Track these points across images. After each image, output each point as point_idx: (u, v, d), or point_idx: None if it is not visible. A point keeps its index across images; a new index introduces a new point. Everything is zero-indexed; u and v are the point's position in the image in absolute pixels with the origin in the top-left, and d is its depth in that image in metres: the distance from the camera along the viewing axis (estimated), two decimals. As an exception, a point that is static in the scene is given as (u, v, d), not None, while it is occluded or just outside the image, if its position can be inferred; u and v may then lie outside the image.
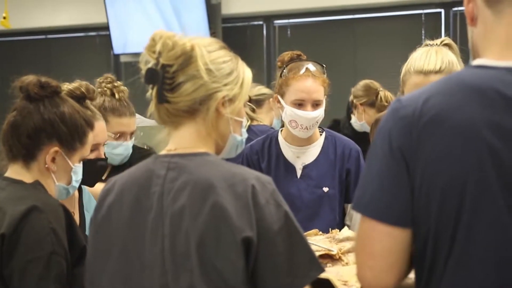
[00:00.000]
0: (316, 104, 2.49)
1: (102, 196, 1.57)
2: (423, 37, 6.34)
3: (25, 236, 1.63)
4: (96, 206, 1.58)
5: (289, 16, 6.72)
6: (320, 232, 2.19)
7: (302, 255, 1.44)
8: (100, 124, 2.15)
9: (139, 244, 1.47)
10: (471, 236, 1.20)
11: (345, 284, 1.75)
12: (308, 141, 2.60)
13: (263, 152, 2.64)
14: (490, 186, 1.18)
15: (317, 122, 2.52)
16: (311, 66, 2.51)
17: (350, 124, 4.28)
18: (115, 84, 2.63)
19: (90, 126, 1.90)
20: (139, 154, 2.69)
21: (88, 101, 2.13)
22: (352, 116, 4.24)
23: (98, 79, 2.65)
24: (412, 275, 1.72)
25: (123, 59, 7.06)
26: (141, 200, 1.49)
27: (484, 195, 1.18)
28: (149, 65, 1.49)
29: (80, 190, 2.25)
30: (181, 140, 1.52)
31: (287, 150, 2.62)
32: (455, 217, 1.20)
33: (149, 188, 1.49)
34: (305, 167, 2.58)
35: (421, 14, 6.37)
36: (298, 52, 2.60)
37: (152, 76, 1.49)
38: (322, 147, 2.60)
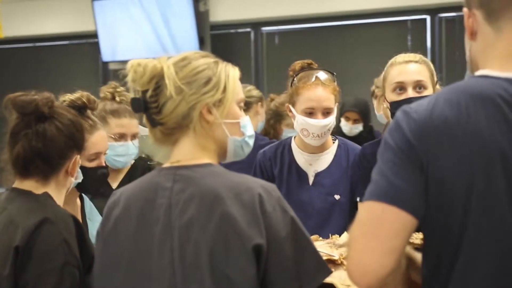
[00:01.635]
0: (326, 112, 2.51)
1: (109, 209, 1.59)
2: (409, 43, 6.43)
3: (38, 248, 1.66)
4: (103, 219, 1.60)
5: (277, 23, 6.78)
6: (320, 238, 2.23)
7: (309, 259, 1.49)
8: (100, 133, 2.18)
9: (146, 256, 1.49)
10: (477, 238, 1.26)
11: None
12: (321, 148, 2.62)
13: (276, 158, 2.66)
14: (498, 189, 1.24)
15: (328, 130, 2.54)
16: (321, 75, 2.54)
17: (339, 128, 4.36)
18: (117, 89, 2.68)
19: (95, 127, 2.00)
20: (143, 161, 2.74)
21: (89, 111, 2.16)
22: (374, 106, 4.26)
23: (102, 87, 2.71)
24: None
25: (111, 66, 7.08)
26: (147, 213, 1.52)
27: (490, 198, 1.24)
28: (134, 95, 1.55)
29: (81, 199, 2.28)
30: (183, 153, 1.55)
31: (300, 157, 2.64)
32: (461, 220, 1.26)
33: (155, 201, 1.52)
34: (317, 175, 2.60)
35: (407, 20, 6.45)
36: (309, 61, 2.62)
37: (136, 105, 1.55)
38: (335, 155, 2.63)
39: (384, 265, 1.26)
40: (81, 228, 1.77)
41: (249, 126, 1.63)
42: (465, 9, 1.39)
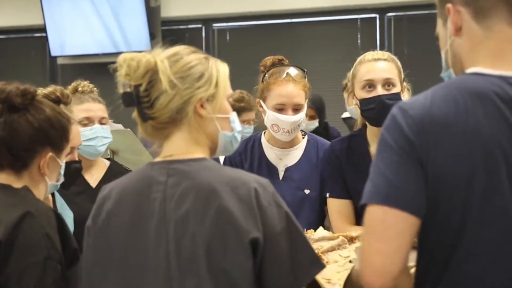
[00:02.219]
0: (297, 109, 2.54)
1: (99, 204, 1.58)
2: (359, 41, 6.55)
3: (20, 242, 1.63)
4: (93, 214, 1.59)
5: (228, 20, 6.79)
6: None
7: (303, 253, 1.51)
8: (75, 128, 2.13)
9: (141, 250, 1.49)
10: (478, 234, 1.28)
11: (329, 282, 1.83)
12: (291, 144, 2.65)
13: (246, 153, 2.68)
14: (500, 186, 1.26)
15: (298, 126, 2.57)
16: (292, 71, 2.56)
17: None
18: (79, 84, 2.69)
19: (70, 121, 1.91)
20: (118, 166, 2.74)
21: (62, 105, 2.14)
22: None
23: (68, 88, 2.67)
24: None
25: (60, 61, 6.96)
26: (141, 207, 1.52)
27: (492, 191, 1.26)
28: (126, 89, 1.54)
29: (53, 194, 2.26)
30: (175, 147, 1.56)
31: (270, 152, 2.66)
32: (461, 216, 1.28)
33: (149, 195, 1.52)
34: (287, 169, 2.63)
35: (357, 19, 6.57)
36: (280, 57, 2.63)
37: (128, 99, 1.54)
38: (305, 150, 2.66)
39: (394, 263, 1.29)
40: (62, 222, 1.74)
41: (237, 121, 1.65)
42: (448, 5, 1.39)
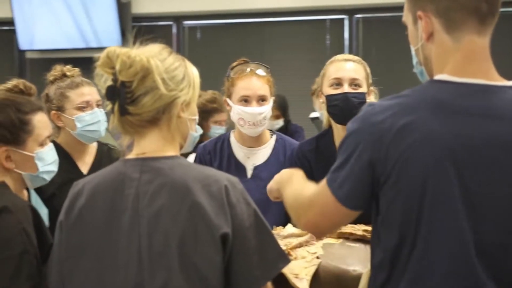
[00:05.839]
0: (261, 100, 2.60)
1: (72, 199, 1.61)
2: (327, 41, 6.63)
3: None
4: (66, 209, 1.61)
5: (199, 18, 6.82)
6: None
7: (271, 249, 1.58)
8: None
9: (113, 245, 1.53)
10: (430, 235, 1.37)
11: (296, 277, 1.89)
12: (259, 142, 2.71)
13: (215, 152, 2.73)
14: (449, 186, 1.35)
15: (264, 119, 2.62)
16: (255, 67, 2.64)
17: None
18: (64, 68, 2.64)
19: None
20: (106, 147, 2.72)
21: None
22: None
23: (48, 73, 2.64)
24: (356, 267, 1.90)
25: (29, 55, 6.91)
26: (115, 202, 1.55)
27: (442, 193, 1.35)
28: (109, 82, 1.56)
29: (28, 189, 2.27)
30: (149, 145, 1.60)
31: (239, 151, 2.72)
32: (417, 213, 1.37)
33: (123, 191, 1.56)
34: (255, 168, 2.68)
35: (326, 19, 6.65)
36: (245, 59, 2.71)
37: (113, 93, 1.56)
38: (273, 149, 2.72)
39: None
40: (39, 217, 1.78)
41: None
42: (419, 13, 1.46)
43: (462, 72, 1.42)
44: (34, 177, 1.91)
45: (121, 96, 1.55)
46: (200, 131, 1.75)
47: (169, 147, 1.61)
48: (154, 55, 1.57)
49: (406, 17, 1.55)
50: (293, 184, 1.73)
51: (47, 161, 1.93)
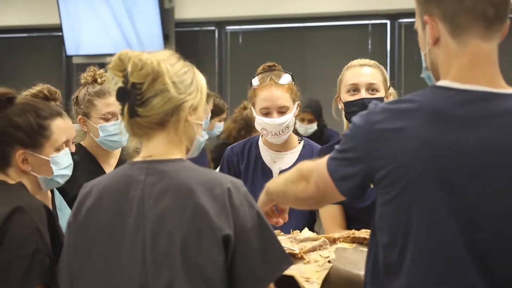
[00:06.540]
0: (282, 111, 2.62)
1: (80, 200, 1.66)
2: (369, 46, 6.60)
3: (10, 235, 1.71)
4: (74, 210, 1.67)
5: (241, 23, 6.88)
6: (282, 233, 2.33)
7: (273, 250, 1.60)
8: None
9: (119, 245, 1.58)
10: (419, 240, 1.39)
11: (307, 281, 1.90)
12: (286, 147, 2.74)
13: (243, 154, 2.77)
14: (436, 193, 1.37)
15: (287, 127, 2.64)
16: (276, 75, 2.65)
17: (295, 129, 4.52)
18: (97, 72, 2.67)
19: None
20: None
21: (52, 103, 2.19)
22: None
23: (82, 74, 2.69)
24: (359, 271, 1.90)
25: (75, 60, 7.07)
26: (121, 204, 1.60)
27: (429, 201, 1.37)
28: (119, 84, 1.60)
29: (52, 190, 2.34)
30: (156, 148, 1.64)
31: (266, 154, 2.75)
32: (405, 220, 1.40)
33: (128, 193, 1.60)
34: (281, 172, 2.67)
35: (368, 24, 6.62)
36: (271, 64, 2.73)
37: (123, 94, 1.60)
38: (300, 155, 2.73)
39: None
40: (53, 217, 1.82)
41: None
42: (426, 17, 1.46)
43: (465, 78, 1.42)
44: (49, 180, 1.97)
45: (131, 97, 1.59)
46: (206, 136, 1.78)
47: (175, 150, 1.64)
48: (165, 59, 1.62)
49: (417, 22, 1.55)
50: (275, 180, 1.85)
51: (62, 165, 1.98)
